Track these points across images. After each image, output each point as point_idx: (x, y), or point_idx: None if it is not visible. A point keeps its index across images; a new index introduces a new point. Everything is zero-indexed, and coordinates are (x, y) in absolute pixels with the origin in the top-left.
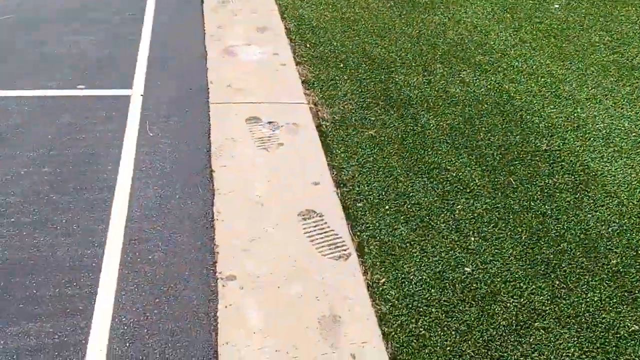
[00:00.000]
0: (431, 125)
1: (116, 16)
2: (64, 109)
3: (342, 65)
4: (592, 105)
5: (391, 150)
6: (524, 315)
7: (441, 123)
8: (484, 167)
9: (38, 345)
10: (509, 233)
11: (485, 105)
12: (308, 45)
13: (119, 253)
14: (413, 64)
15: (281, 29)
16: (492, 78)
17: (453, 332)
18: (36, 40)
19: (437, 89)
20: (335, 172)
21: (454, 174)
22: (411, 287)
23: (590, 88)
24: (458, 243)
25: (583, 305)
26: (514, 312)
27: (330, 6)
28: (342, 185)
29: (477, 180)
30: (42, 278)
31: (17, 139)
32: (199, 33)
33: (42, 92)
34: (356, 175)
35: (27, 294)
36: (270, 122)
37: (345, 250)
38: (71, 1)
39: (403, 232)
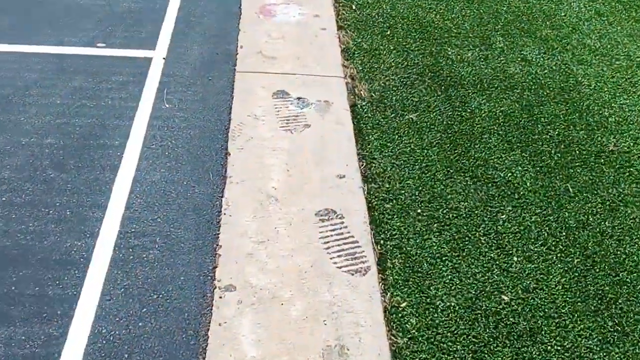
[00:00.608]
0: (482, 111)
1: None
2: (79, 70)
3: (389, 32)
4: None
5: (432, 140)
6: None
7: (494, 109)
8: (538, 168)
9: (5, 355)
10: (559, 255)
11: (548, 91)
12: (354, 7)
13: (111, 248)
14: (470, 35)
15: None
16: (559, 57)
17: None
18: None
19: (494, 67)
20: (364, 164)
21: (502, 175)
22: (436, 315)
23: None
24: (497, 263)
25: None
26: (555, 359)
27: None
28: (370, 180)
29: (528, 184)
30: (24, 272)
31: (24, 103)
32: None
33: (59, 49)
34: (388, 169)
35: (4, 290)
36: (299, 98)
37: (364, 262)
38: None
39: (434, 244)
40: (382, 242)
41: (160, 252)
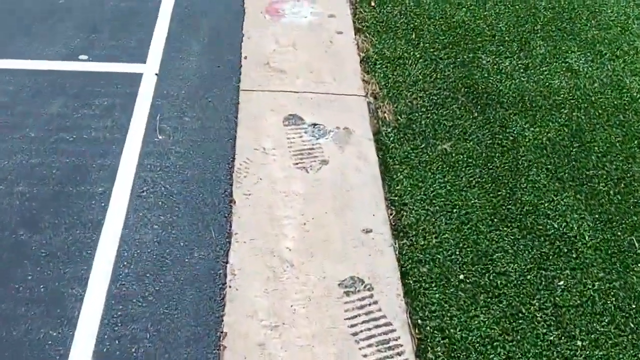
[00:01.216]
0: (527, 138)
1: None
2: (57, 91)
3: (413, 35)
4: None
5: (471, 178)
6: None
7: (540, 136)
8: (597, 216)
9: None
10: (629, 336)
11: (600, 111)
12: (373, 4)
13: (93, 339)
14: (506, 38)
15: None
16: (609, 66)
17: None
18: None
19: (536, 79)
20: (393, 212)
21: (556, 225)
22: None
23: None
24: (559, 349)
25: None
26: None
27: None
28: (402, 234)
29: (586, 237)
30: None
31: None
32: None
33: (35, 63)
34: (422, 219)
35: None
36: (314, 125)
37: (400, 354)
38: None
39: (482, 324)
40: (419, 322)
41: (152, 345)
